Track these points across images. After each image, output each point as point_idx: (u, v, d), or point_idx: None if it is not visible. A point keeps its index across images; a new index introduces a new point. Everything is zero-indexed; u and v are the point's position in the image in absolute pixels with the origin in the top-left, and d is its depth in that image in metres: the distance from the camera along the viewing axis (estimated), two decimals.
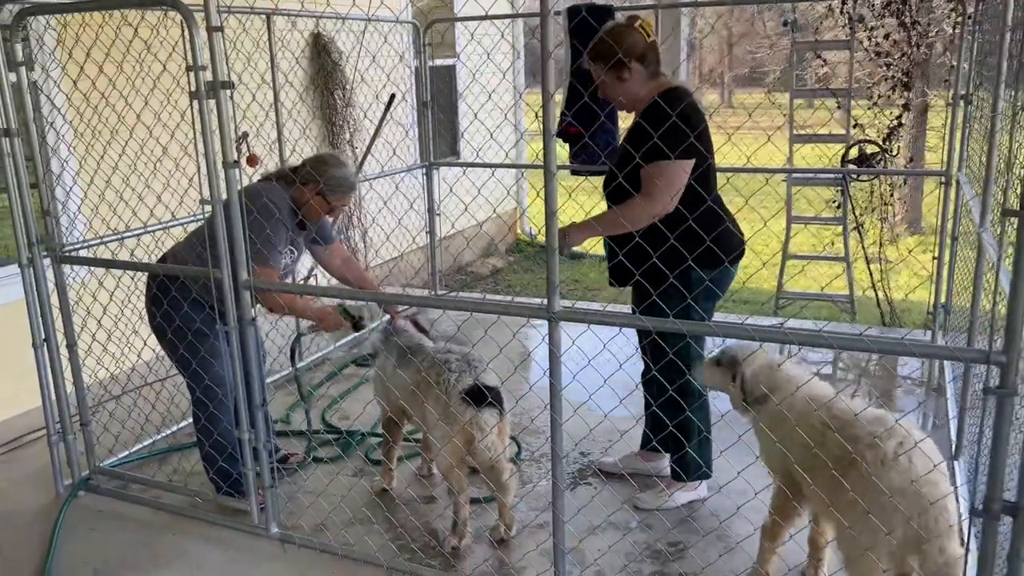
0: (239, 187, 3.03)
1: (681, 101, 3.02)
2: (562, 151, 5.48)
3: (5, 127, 3.33)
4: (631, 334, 3.79)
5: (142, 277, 3.61)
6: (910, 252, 8.95)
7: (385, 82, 7.35)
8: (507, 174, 10.30)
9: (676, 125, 2.86)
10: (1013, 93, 3.13)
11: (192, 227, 4.77)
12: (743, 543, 2.97)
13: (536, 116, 2.39)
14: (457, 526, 3.26)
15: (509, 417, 3.31)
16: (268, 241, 3.29)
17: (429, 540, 3.32)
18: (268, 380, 4.94)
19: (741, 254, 3.30)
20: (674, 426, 3.21)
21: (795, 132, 7.05)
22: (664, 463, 3.71)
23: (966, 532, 2.40)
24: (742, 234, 3.28)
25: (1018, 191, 2.07)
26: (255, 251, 3.18)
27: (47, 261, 3.55)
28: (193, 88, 2.89)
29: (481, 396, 3.11)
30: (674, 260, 3.01)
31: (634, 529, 3.36)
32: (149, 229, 4.22)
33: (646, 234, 3.02)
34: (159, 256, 3.62)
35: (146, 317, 3.56)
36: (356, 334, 3.55)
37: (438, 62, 8.88)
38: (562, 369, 2.62)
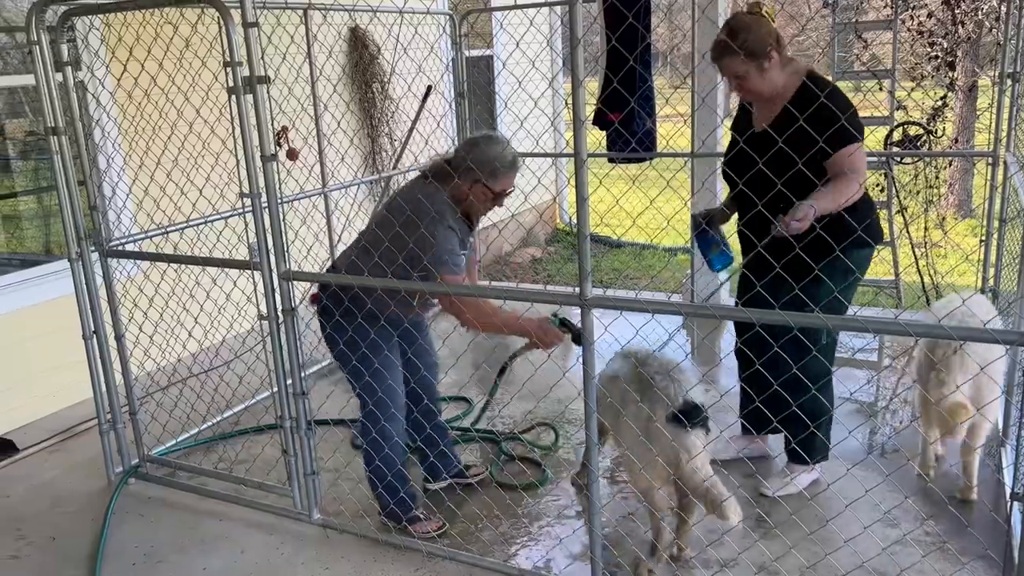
0: (397, 191, 3.00)
1: (830, 83, 2.97)
2: (595, 139, 5.47)
3: (53, 126, 3.43)
4: (664, 321, 3.78)
5: (185, 270, 3.68)
6: (945, 235, 8.76)
7: (419, 73, 7.39)
8: (545, 163, 10.29)
9: (847, 106, 2.83)
10: None
11: (233, 221, 4.88)
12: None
13: (566, 104, 2.39)
14: (657, 550, 3.03)
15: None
16: (447, 250, 2.98)
17: (467, 526, 3.35)
18: (311, 370, 5.03)
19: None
20: (802, 407, 3.02)
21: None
22: (767, 445, 3.69)
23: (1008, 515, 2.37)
24: None
25: None
26: (434, 260, 2.96)
27: (95, 255, 3.65)
28: (231, 83, 2.95)
29: (690, 415, 2.84)
30: (838, 240, 2.85)
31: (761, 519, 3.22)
32: (192, 223, 4.31)
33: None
34: (327, 266, 3.40)
35: (317, 326, 3.32)
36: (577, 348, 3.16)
37: (475, 53, 8.89)
38: (595, 356, 2.63)
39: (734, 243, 3.47)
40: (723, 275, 3.65)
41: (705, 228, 3.46)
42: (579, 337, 2.97)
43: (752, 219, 3.12)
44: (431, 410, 3.53)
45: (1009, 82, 4.32)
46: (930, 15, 7.97)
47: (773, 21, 3.03)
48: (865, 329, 2.31)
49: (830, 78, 6.96)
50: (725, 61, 3.03)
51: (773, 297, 2.92)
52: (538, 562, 3.15)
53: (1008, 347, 3.74)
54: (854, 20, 8.26)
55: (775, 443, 3.73)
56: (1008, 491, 3.15)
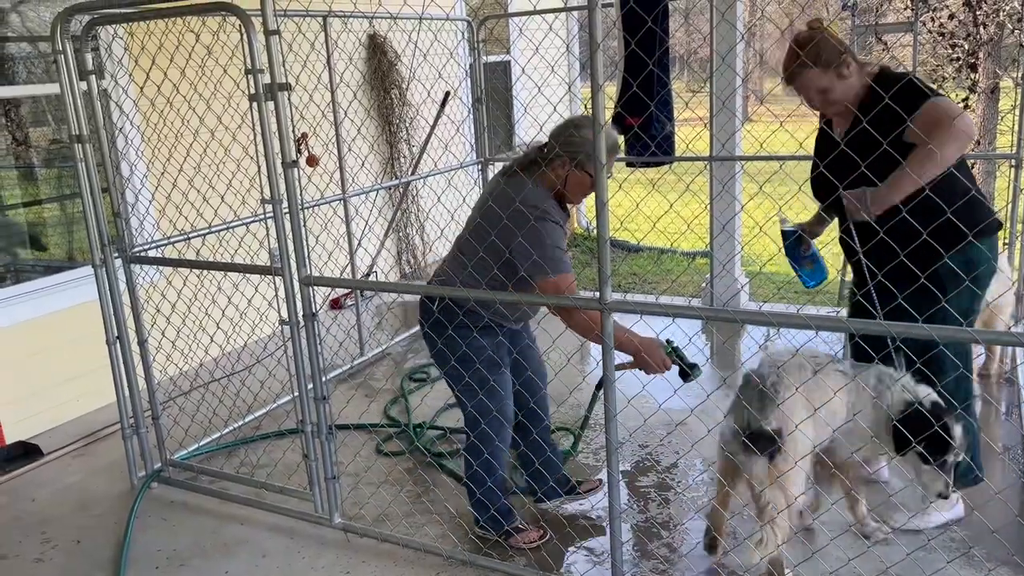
0: (486, 194, 2.91)
1: (903, 75, 2.87)
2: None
3: (77, 134, 3.48)
4: (684, 325, 3.76)
5: (207, 275, 3.71)
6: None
7: (437, 79, 7.42)
8: None
9: (927, 91, 2.74)
10: None
11: (254, 227, 4.92)
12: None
13: (584, 108, 2.39)
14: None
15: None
16: (557, 248, 2.83)
17: (487, 530, 3.35)
18: (331, 374, 5.06)
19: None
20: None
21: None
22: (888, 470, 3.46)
23: None
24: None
25: None
26: (538, 266, 2.80)
27: (118, 262, 3.70)
28: (252, 91, 2.98)
29: (756, 441, 2.69)
30: (952, 235, 2.73)
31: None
32: (214, 229, 4.35)
33: (918, 211, 2.71)
34: (434, 276, 3.20)
35: (424, 338, 3.19)
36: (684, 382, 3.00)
37: (492, 58, 8.92)
38: (615, 360, 2.63)
39: (833, 255, 3.34)
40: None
41: (795, 243, 3.33)
42: (687, 373, 2.91)
43: (849, 227, 2.98)
44: (537, 413, 3.38)
45: None
46: (951, 16, 7.91)
47: (831, 32, 2.93)
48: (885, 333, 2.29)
49: None
50: (805, 77, 2.89)
51: (886, 308, 2.77)
52: (558, 566, 3.14)
53: None
54: (874, 23, 8.21)
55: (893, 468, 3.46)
56: None
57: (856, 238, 2.89)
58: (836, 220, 3.24)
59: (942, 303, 2.72)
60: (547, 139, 2.97)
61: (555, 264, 2.80)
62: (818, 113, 3.17)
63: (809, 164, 3.19)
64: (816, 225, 3.37)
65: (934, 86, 2.99)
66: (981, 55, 8.23)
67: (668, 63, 5.17)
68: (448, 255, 3.17)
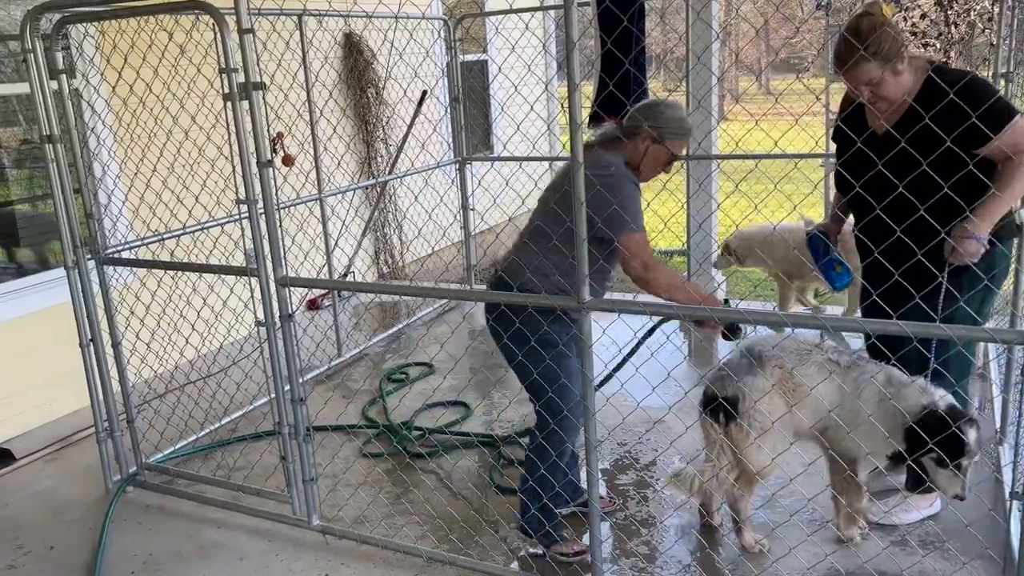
0: (560, 173, 2.86)
1: (964, 73, 2.82)
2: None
3: (48, 134, 3.43)
4: (665, 325, 3.76)
5: (182, 276, 3.68)
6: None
7: (414, 78, 7.39)
8: (541, 167, 10.29)
9: (991, 92, 2.67)
10: None
11: (229, 227, 4.87)
12: None
13: (562, 107, 2.39)
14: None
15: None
16: (635, 208, 2.84)
17: (467, 530, 3.34)
18: (308, 376, 5.02)
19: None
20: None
21: (832, 117, 6.94)
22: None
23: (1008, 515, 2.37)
24: None
25: None
26: (619, 219, 2.77)
27: (91, 263, 3.65)
28: (226, 90, 2.95)
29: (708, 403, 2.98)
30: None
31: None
32: (188, 230, 4.31)
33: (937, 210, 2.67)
34: (502, 266, 3.06)
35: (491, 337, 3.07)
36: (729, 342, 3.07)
37: (470, 57, 8.90)
38: (594, 359, 2.63)
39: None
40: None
41: (828, 246, 3.33)
42: (733, 333, 2.96)
43: (875, 226, 2.83)
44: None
45: (1003, 82, 4.34)
46: (923, 16, 8.00)
47: (892, 20, 2.82)
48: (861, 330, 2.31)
49: (824, 80, 7.00)
50: (859, 69, 2.77)
51: (899, 308, 2.69)
52: (538, 566, 3.14)
53: (1006, 346, 3.76)
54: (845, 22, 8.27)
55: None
56: (1007, 490, 3.16)
57: (875, 241, 2.81)
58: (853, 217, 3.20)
59: (959, 302, 2.72)
60: (631, 115, 3.00)
61: (633, 222, 2.81)
62: (839, 104, 3.14)
63: (785, 162, 3.19)
64: (835, 224, 3.36)
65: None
66: (953, 54, 8.33)
67: (645, 62, 5.19)
68: (515, 246, 3.05)
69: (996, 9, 5.22)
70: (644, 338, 3.24)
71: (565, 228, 2.76)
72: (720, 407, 2.95)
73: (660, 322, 3.35)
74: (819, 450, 2.99)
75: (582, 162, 2.44)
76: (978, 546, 2.98)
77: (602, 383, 3.45)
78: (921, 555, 3.00)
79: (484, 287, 3.18)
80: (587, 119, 5.16)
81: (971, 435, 2.66)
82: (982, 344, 4.60)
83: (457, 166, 6.33)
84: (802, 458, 2.97)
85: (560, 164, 3.12)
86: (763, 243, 5.17)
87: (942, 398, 2.73)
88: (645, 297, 2.80)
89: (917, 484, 2.83)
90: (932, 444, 2.59)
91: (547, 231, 2.88)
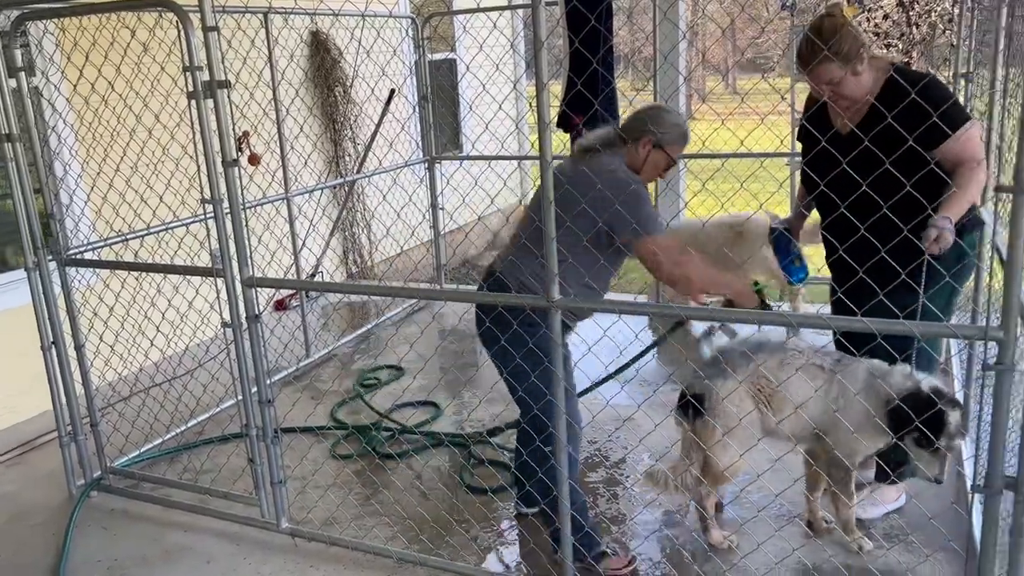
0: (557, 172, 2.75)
1: (922, 74, 2.86)
2: (558, 140, 5.48)
3: (7, 133, 3.36)
4: (631, 321, 3.79)
5: (146, 278, 3.62)
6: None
7: (381, 76, 7.36)
8: (510, 166, 10.30)
9: (947, 95, 2.72)
10: (1004, 71, 3.12)
11: (195, 227, 4.82)
12: None
13: (530, 106, 2.39)
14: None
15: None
16: (644, 206, 2.82)
17: (438, 530, 3.33)
18: (276, 377, 4.98)
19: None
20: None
21: (797, 116, 7.02)
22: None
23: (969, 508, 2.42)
24: None
25: (1010, 168, 2.07)
26: (637, 224, 2.75)
27: (53, 264, 3.58)
28: (191, 88, 2.91)
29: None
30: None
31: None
32: (152, 230, 4.25)
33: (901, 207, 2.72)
34: (486, 273, 3.06)
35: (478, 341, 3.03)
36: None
37: (438, 56, 8.88)
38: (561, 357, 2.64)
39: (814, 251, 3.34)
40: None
41: (790, 241, 3.36)
42: (766, 304, 2.93)
43: (840, 225, 2.87)
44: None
45: (963, 82, 4.42)
46: (886, 17, 8.13)
47: (854, 21, 2.89)
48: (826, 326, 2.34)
49: (789, 80, 7.08)
50: (820, 69, 2.83)
51: (865, 304, 2.69)
52: (509, 565, 3.15)
53: (966, 342, 3.83)
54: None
55: None
56: (969, 483, 3.22)
57: (840, 239, 2.84)
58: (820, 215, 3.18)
59: (911, 300, 2.75)
60: (627, 121, 3.02)
61: (655, 224, 2.82)
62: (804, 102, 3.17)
63: (751, 161, 3.22)
64: (798, 220, 3.40)
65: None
66: (915, 55, 8.48)
67: (613, 61, 5.21)
68: (516, 247, 2.98)
69: (956, 11, 5.32)
70: (654, 344, 3.27)
71: (564, 233, 2.71)
72: (690, 404, 2.99)
73: (675, 326, 3.38)
74: (788, 446, 3.02)
75: (551, 161, 2.44)
76: (941, 539, 3.03)
77: (604, 381, 3.47)
78: (886, 548, 3.04)
79: (455, 286, 3.17)
80: (555, 118, 5.18)
81: (954, 416, 2.68)
82: (945, 340, 4.68)
83: (426, 165, 6.32)
84: (769, 454, 3.00)
85: (555, 165, 3.07)
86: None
87: (926, 380, 2.77)
88: (614, 295, 2.81)
89: (886, 475, 2.87)
90: (918, 422, 2.61)
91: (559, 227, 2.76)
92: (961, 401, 3.34)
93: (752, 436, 2.93)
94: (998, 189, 2.10)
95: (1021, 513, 2.06)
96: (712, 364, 3.02)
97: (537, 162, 2.49)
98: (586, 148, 2.99)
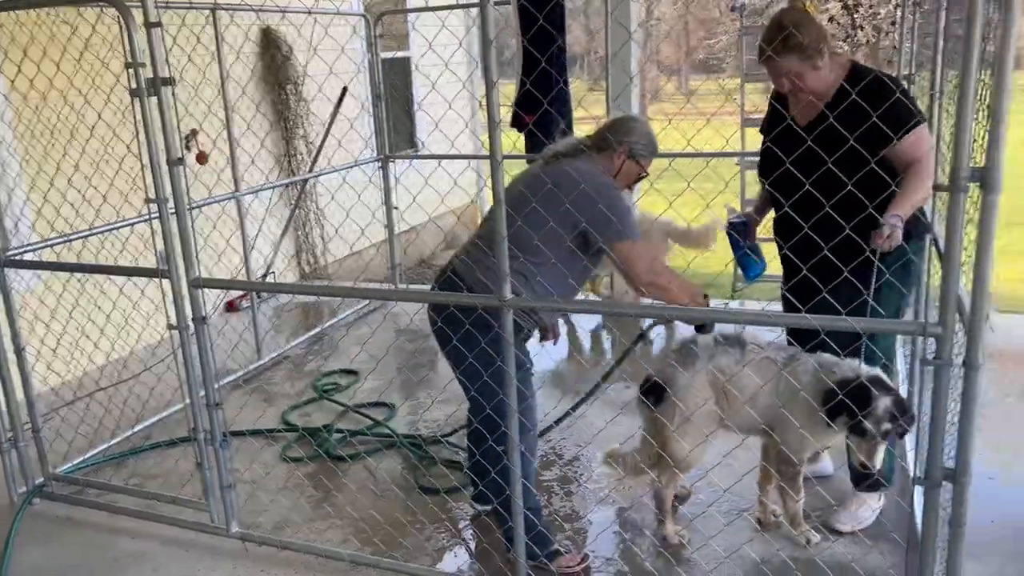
0: (528, 176, 2.78)
1: (873, 71, 2.87)
2: (509, 140, 5.49)
3: None
4: (583, 320, 3.81)
5: (89, 279, 3.54)
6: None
7: (330, 74, 7.28)
8: (464, 165, 10.27)
9: (903, 91, 2.72)
10: (937, 73, 3.20)
11: (140, 227, 4.71)
12: None
13: (481, 104, 2.39)
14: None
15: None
16: (626, 211, 2.82)
17: (391, 532, 3.31)
18: (225, 380, 4.89)
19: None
20: None
21: (746, 116, 7.13)
22: (823, 466, 3.54)
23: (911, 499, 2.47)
24: None
25: (946, 167, 2.13)
26: (617, 228, 2.75)
27: None
28: (134, 85, 2.85)
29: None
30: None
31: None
32: (95, 231, 4.14)
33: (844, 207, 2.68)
34: (439, 272, 3.04)
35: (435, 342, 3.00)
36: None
37: (391, 54, 8.82)
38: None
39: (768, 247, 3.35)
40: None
41: (742, 234, 3.34)
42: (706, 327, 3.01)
43: (792, 221, 2.84)
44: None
45: (905, 83, 4.52)
46: (831, 19, 8.30)
47: (816, 15, 2.95)
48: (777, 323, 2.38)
49: (739, 80, 7.19)
50: (779, 61, 2.85)
51: (818, 302, 2.70)
52: (463, 566, 3.14)
53: (910, 337, 3.92)
54: (760, 24, 8.52)
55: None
56: (911, 476, 3.29)
57: (795, 236, 2.83)
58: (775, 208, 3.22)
59: (861, 296, 2.79)
60: (601, 130, 3.04)
61: (635, 230, 2.85)
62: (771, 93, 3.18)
63: (698, 161, 3.23)
64: (758, 215, 3.40)
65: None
66: (861, 57, 8.67)
67: (566, 61, 5.23)
68: (471, 246, 2.97)
69: (899, 13, 5.45)
70: (634, 343, 3.25)
71: (545, 232, 2.74)
72: (652, 391, 3.02)
73: (651, 326, 3.38)
74: (737, 440, 3.06)
75: (501, 161, 2.44)
76: (885, 530, 3.10)
77: (588, 394, 3.47)
78: (831, 541, 3.10)
79: (406, 286, 3.15)
80: (509, 117, 5.19)
81: (884, 402, 2.71)
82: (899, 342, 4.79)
83: (379, 164, 6.27)
84: (718, 449, 3.03)
85: (529, 167, 3.06)
86: None
87: (869, 372, 2.80)
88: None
89: (862, 478, 2.97)
90: (845, 399, 2.65)
91: (528, 234, 2.78)
92: (904, 395, 3.43)
93: (711, 424, 2.97)
94: (936, 188, 2.16)
95: (959, 504, 2.12)
96: (677, 353, 3.05)
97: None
98: (560, 153, 2.99)
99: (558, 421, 3.81)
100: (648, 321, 3.22)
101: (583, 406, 3.61)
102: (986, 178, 1.87)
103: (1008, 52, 1.79)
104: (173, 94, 2.89)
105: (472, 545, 3.26)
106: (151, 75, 2.81)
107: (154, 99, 2.85)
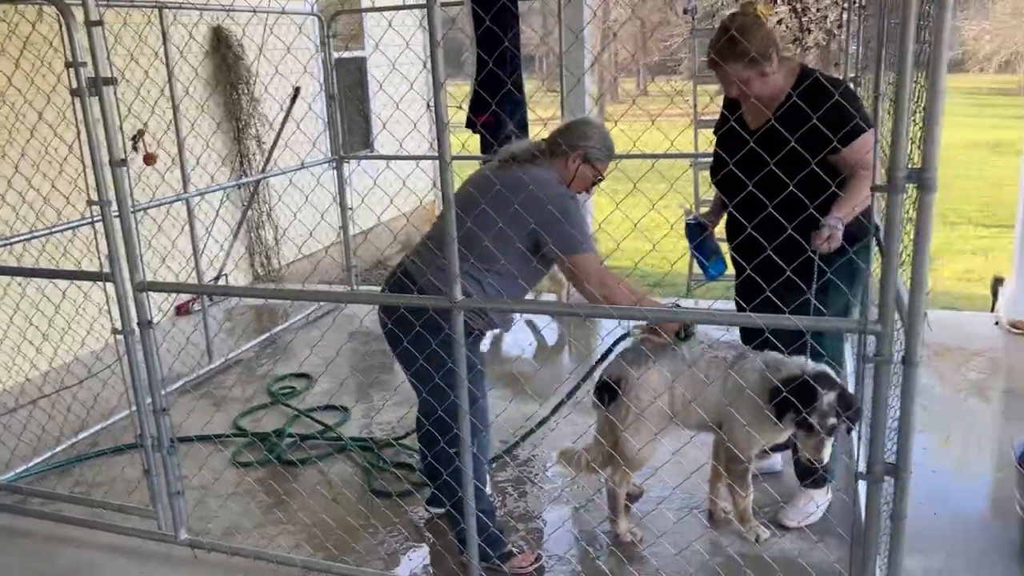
0: (480, 179, 2.76)
1: (819, 74, 2.88)
2: (462, 141, 5.48)
3: None
4: (539, 320, 3.81)
5: (30, 283, 3.46)
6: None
7: (278, 74, 7.20)
8: (427, 167, 10.20)
9: (851, 98, 2.73)
10: (879, 75, 3.27)
11: (84, 230, 4.61)
12: None
13: (428, 107, 2.38)
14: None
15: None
16: (580, 222, 2.80)
17: (343, 537, 3.28)
18: (173, 386, 4.79)
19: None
20: None
21: (699, 118, 7.20)
22: (771, 462, 3.57)
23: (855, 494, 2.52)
24: None
25: (883, 169, 2.17)
26: (569, 239, 2.75)
27: None
28: (75, 85, 2.79)
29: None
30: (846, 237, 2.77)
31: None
32: (37, 234, 4.04)
33: (787, 208, 2.66)
34: (389, 274, 3.05)
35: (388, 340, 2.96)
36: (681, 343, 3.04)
37: (348, 54, 8.75)
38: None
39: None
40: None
41: (704, 237, 3.32)
42: (688, 334, 2.99)
43: (740, 222, 2.87)
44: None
45: (851, 85, 4.61)
46: (779, 22, 8.43)
47: (766, 18, 2.90)
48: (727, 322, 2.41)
49: (690, 83, 7.27)
50: (727, 67, 2.86)
51: (778, 304, 2.66)
52: (416, 569, 3.13)
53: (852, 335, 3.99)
54: (711, 26, 8.62)
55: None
56: (855, 471, 3.36)
57: (746, 239, 2.84)
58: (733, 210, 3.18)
59: (806, 296, 2.76)
60: (554, 134, 3.00)
61: (588, 240, 2.83)
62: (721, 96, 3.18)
63: (642, 162, 3.22)
64: (715, 215, 3.41)
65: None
66: (811, 59, 8.82)
67: (520, 63, 5.24)
68: (422, 246, 2.96)
69: (844, 16, 5.56)
70: (613, 345, 3.22)
71: (495, 234, 2.72)
72: (602, 392, 3.04)
73: (629, 331, 3.35)
74: (687, 438, 3.09)
75: (450, 162, 2.44)
76: (831, 526, 3.16)
77: (571, 393, 3.45)
78: (779, 536, 3.15)
79: (357, 288, 3.13)
80: (465, 120, 5.18)
81: (828, 397, 2.73)
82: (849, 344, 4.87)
83: (334, 165, 6.22)
84: (669, 447, 3.06)
85: (482, 168, 3.03)
86: None
87: (815, 368, 2.82)
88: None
89: (807, 473, 2.99)
90: (788, 396, 2.67)
91: (478, 236, 2.74)
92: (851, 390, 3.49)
93: (662, 422, 3.00)
94: (874, 189, 2.19)
95: (900, 499, 2.16)
96: (632, 351, 3.07)
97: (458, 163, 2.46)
98: (515, 157, 2.94)
99: (538, 425, 3.81)
100: (629, 324, 3.21)
101: (559, 411, 3.59)
102: (922, 178, 1.91)
103: (941, 54, 1.83)
104: (116, 94, 2.84)
105: (426, 548, 3.25)
106: (92, 74, 2.76)
107: (95, 99, 2.79)
